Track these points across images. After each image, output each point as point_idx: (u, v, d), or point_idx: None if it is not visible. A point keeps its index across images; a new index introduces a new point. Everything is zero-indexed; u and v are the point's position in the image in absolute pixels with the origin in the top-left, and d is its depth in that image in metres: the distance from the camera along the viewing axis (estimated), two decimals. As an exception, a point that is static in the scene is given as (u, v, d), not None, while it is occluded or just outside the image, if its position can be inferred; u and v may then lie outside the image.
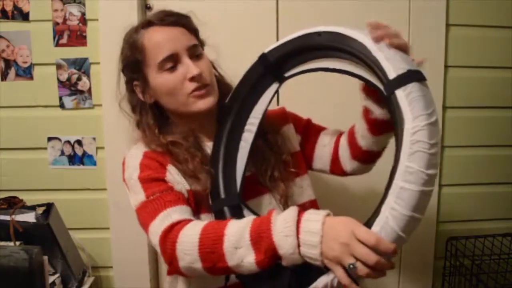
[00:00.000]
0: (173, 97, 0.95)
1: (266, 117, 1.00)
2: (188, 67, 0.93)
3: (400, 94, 0.70)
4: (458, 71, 1.51)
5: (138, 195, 0.88)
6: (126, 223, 1.38)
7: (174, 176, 0.92)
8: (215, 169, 0.95)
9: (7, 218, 1.26)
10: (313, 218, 0.71)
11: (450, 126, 1.52)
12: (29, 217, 1.28)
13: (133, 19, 1.42)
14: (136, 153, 0.96)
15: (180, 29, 0.94)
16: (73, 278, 1.35)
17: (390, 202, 0.65)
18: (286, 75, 0.95)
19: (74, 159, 1.51)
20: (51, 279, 1.27)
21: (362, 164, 1.03)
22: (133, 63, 0.97)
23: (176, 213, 0.83)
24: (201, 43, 1.01)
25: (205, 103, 0.95)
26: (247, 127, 0.98)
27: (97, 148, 1.50)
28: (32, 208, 1.31)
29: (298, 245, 0.70)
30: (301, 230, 0.70)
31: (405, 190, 0.65)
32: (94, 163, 1.50)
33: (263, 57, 0.95)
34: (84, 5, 1.44)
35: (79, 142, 1.50)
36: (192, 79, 0.92)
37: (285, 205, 0.99)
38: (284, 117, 1.10)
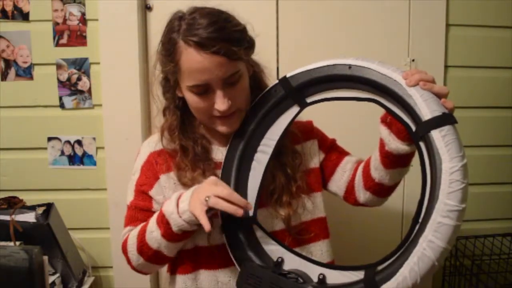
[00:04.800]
0: (197, 113, 0.94)
1: (292, 126, 0.97)
2: (217, 99, 0.89)
3: (437, 135, 0.74)
4: (458, 71, 1.51)
5: (129, 194, 1.01)
6: (126, 223, 1.38)
7: (162, 189, 0.97)
8: None
9: (7, 218, 1.27)
10: (188, 192, 0.88)
11: (450, 126, 1.52)
12: (29, 217, 1.29)
13: (133, 19, 1.42)
14: (144, 152, 1.01)
15: (220, 59, 0.84)
16: (73, 278, 1.35)
17: (428, 235, 0.72)
18: (309, 100, 0.92)
19: (74, 159, 1.51)
20: (51, 279, 1.27)
21: (374, 195, 1.01)
22: (168, 64, 0.92)
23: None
24: (247, 57, 0.92)
25: (227, 129, 0.94)
26: (260, 147, 0.95)
27: (97, 148, 1.50)
28: (32, 208, 1.32)
29: (177, 207, 0.86)
30: (180, 199, 0.87)
31: (443, 225, 0.71)
32: (94, 163, 1.50)
33: (284, 81, 0.92)
34: (84, 5, 1.44)
35: (79, 142, 1.50)
36: (218, 111, 0.90)
37: (288, 223, 0.97)
38: (310, 131, 1.07)
